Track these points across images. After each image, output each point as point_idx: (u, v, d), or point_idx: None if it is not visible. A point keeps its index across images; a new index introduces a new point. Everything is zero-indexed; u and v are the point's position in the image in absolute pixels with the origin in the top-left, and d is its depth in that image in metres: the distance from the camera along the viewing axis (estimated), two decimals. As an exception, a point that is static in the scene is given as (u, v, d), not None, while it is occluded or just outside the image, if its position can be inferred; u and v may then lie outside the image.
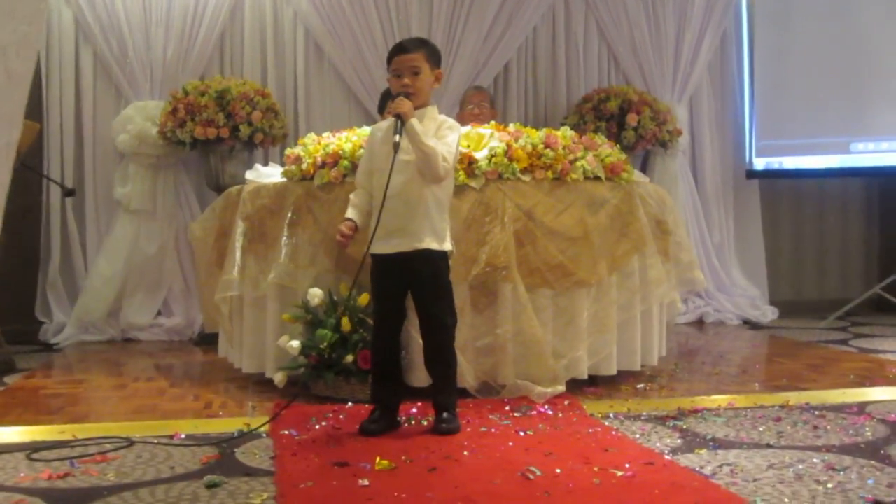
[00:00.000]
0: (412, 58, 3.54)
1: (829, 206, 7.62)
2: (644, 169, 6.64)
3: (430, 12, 6.62)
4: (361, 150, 4.11)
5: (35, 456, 3.20)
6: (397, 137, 3.39)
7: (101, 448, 3.30)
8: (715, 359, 5.31)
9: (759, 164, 7.11)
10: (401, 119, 3.42)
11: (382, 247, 3.48)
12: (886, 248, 7.61)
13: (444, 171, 3.46)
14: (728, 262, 7.14)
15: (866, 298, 6.98)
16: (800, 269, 7.61)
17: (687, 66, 7.03)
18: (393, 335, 3.61)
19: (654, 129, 6.46)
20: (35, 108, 6.11)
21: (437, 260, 3.51)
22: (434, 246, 3.48)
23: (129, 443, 3.36)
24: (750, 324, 6.79)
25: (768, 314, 6.95)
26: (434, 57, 3.60)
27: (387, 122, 3.56)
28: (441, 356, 3.56)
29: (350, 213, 3.59)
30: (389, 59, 3.59)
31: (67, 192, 5.74)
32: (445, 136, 3.51)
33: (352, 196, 3.65)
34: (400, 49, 3.59)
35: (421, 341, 3.67)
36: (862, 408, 3.86)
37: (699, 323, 6.83)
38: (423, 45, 3.62)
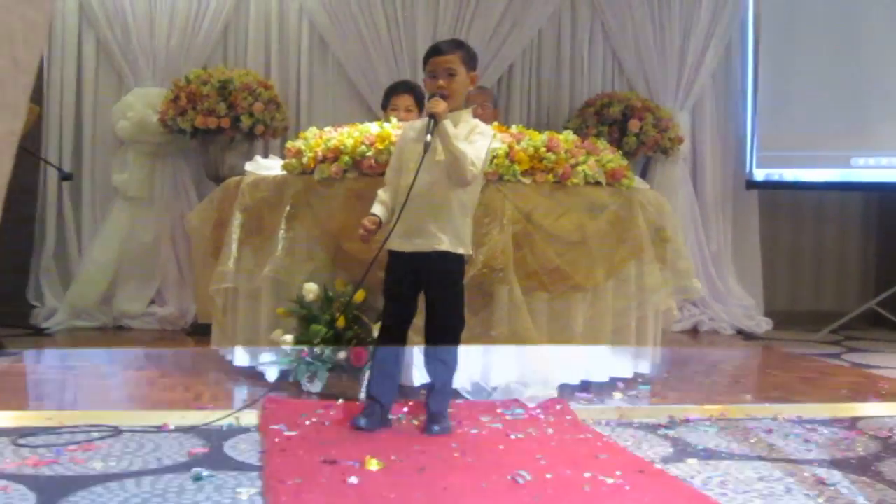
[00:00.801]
0: (448, 59, 3.52)
1: (827, 219, 7.62)
2: (644, 175, 6.62)
3: (435, 10, 6.60)
4: (363, 146, 4.11)
5: (21, 442, 3.18)
6: (429, 137, 3.37)
7: (88, 436, 3.28)
8: (708, 368, 5.30)
9: (760, 174, 7.10)
10: (434, 119, 3.40)
11: (402, 244, 3.47)
12: (883, 263, 7.61)
13: (472, 176, 3.44)
14: (725, 272, 7.12)
15: (861, 313, 6.97)
16: (796, 280, 7.61)
17: (691, 73, 7.02)
18: (401, 333, 3.59)
19: (655, 136, 6.45)
20: (36, 91, 5.97)
21: (454, 263, 3.50)
22: (453, 249, 3.47)
23: (117, 432, 3.34)
24: (744, 334, 6.78)
25: (763, 325, 6.94)
26: (470, 59, 3.59)
27: (420, 122, 3.55)
28: (443, 359, 3.55)
29: (375, 208, 3.58)
30: (425, 60, 3.58)
31: (65, 176, 5.71)
32: (476, 140, 3.49)
33: (379, 192, 3.64)
34: (436, 50, 3.58)
35: (417, 341, 3.66)
36: (853, 423, 3.85)
37: (693, 331, 6.82)
38: (459, 48, 3.60)
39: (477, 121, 3.61)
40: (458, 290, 3.56)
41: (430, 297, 3.55)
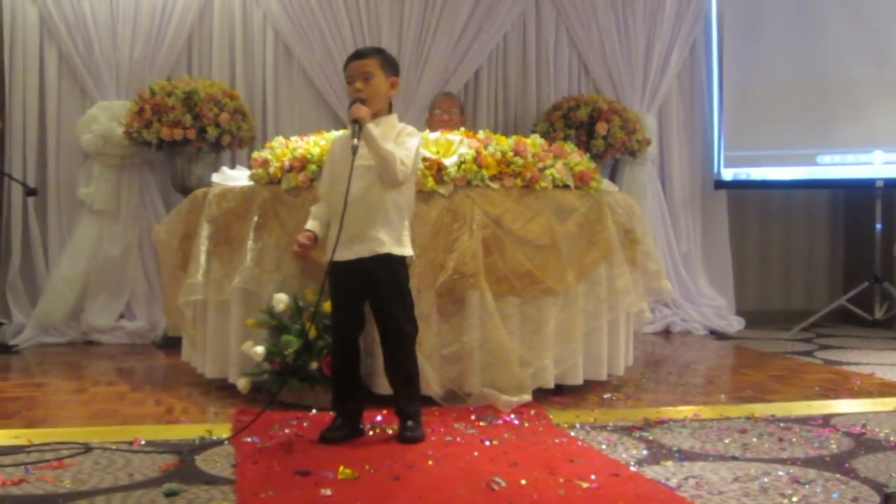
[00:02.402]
0: (364, 63, 3.53)
1: (795, 218, 7.68)
2: (613, 178, 6.64)
3: (400, 16, 6.59)
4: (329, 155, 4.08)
5: (-10, 461, 3.13)
6: (355, 141, 3.37)
7: (58, 454, 3.23)
8: (681, 369, 5.31)
9: (727, 174, 7.15)
10: (358, 124, 3.40)
11: (343, 253, 3.44)
12: (851, 260, 7.68)
13: (403, 176, 3.43)
14: (695, 272, 7.16)
15: (831, 310, 7.02)
16: (766, 279, 7.66)
17: (656, 75, 7.06)
18: (352, 342, 3.56)
19: (623, 138, 6.46)
20: (-3, 106, 6.03)
21: (397, 265, 3.47)
22: (393, 251, 3.45)
23: (87, 449, 3.29)
24: (716, 334, 6.81)
25: (735, 324, 6.97)
26: (389, 64, 3.59)
27: (347, 132, 3.54)
28: (400, 365, 3.52)
29: (309, 223, 3.60)
30: (344, 68, 3.60)
31: (29, 192, 5.65)
32: (405, 141, 3.49)
33: (313, 208, 3.66)
34: (352, 56, 3.61)
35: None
36: (827, 420, 3.86)
37: (666, 333, 6.84)
38: (376, 52, 3.63)
39: (404, 124, 3.60)
40: (405, 292, 3.52)
41: (376, 304, 3.52)
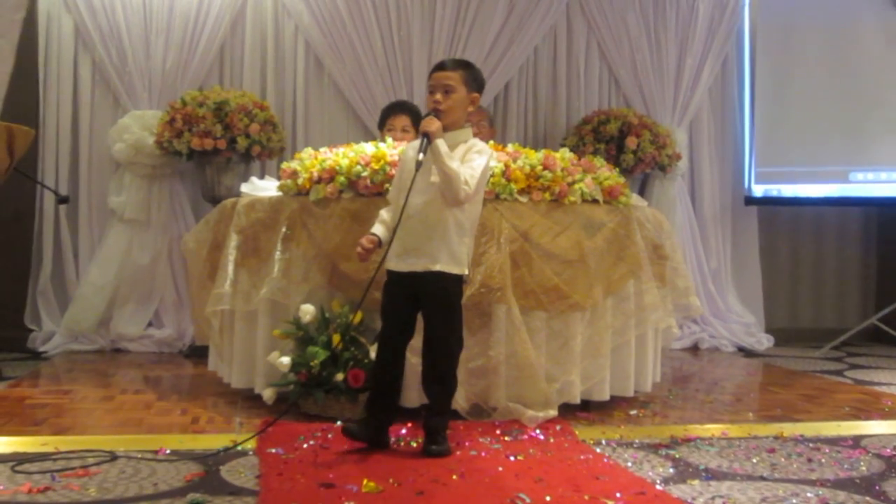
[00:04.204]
0: (447, 75, 3.52)
1: (826, 235, 7.59)
2: (642, 192, 6.61)
3: (431, 29, 6.59)
4: (358, 167, 4.09)
5: (18, 468, 3.14)
6: (421, 156, 3.36)
7: (84, 462, 3.24)
8: (709, 386, 5.26)
9: (758, 190, 7.09)
10: (427, 138, 3.39)
11: (398, 264, 3.46)
12: (883, 279, 7.58)
13: (465, 196, 3.40)
14: (724, 289, 7.10)
15: (862, 329, 6.94)
16: (796, 297, 7.58)
17: (687, 90, 7.02)
18: (397, 353, 3.56)
19: (653, 153, 6.43)
20: (32, 114, 6.09)
21: (450, 283, 3.47)
22: (448, 269, 3.44)
23: (113, 457, 3.31)
24: (745, 351, 6.75)
25: (764, 342, 6.91)
26: (473, 80, 3.57)
27: (418, 141, 3.52)
28: (441, 380, 3.52)
29: (375, 228, 3.58)
30: (429, 77, 3.59)
31: (61, 200, 5.68)
32: (472, 160, 3.46)
33: (382, 211, 3.65)
34: (438, 66, 3.60)
35: (415, 361, 3.63)
36: (857, 441, 3.81)
37: (694, 349, 6.79)
38: (462, 66, 3.60)
39: (476, 140, 3.58)
40: (456, 311, 3.53)
41: (427, 318, 3.52)
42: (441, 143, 3.38)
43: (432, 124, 3.41)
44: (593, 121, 6.57)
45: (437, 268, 3.42)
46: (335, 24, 6.46)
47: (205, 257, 4.72)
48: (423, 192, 3.41)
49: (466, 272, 3.53)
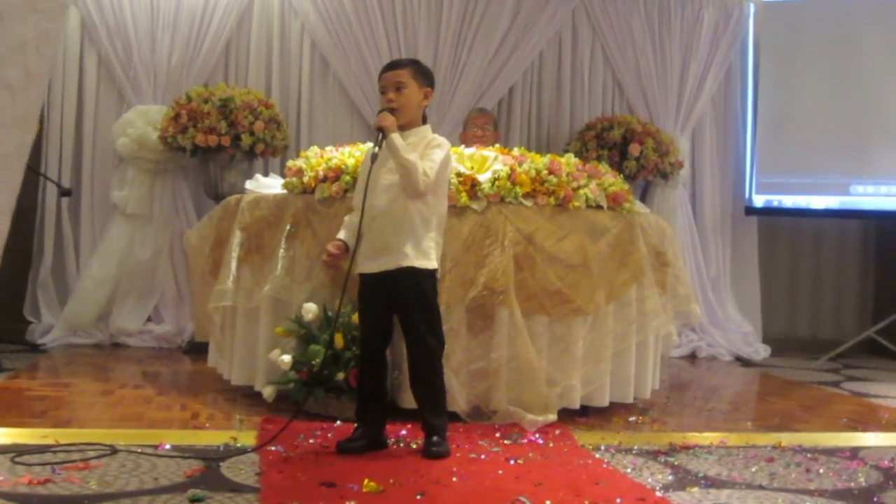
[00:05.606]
0: (397, 73, 3.54)
1: (826, 246, 7.60)
2: (644, 199, 6.62)
3: (437, 31, 6.60)
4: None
5: (18, 460, 3.14)
6: (376, 149, 3.39)
7: (84, 455, 3.24)
8: (707, 394, 5.28)
9: (759, 200, 7.10)
10: (382, 133, 3.41)
11: (369, 265, 3.48)
12: (881, 291, 7.59)
13: (425, 186, 3.42)
14: (723, 297, 7.11)
15: (859, 341, 6.95)
16: (794, 307, 7.59)
17: (691, 98, 7.03)
18: (377, 355, 3.57)
19: (655, 160, 6.44)
20: (36, 107, 6.07)
21: (423, 278, 3.46)
22: (419, 264, 3.44)
23: (113, 451, 3.31)
24: (742, 360, 6.76)
25: (761, 352, 6.91)
26: (422, 75, 3.59)
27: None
28: (424, 379, 3.52)
29: (341, 233, 3.62)
30: (379, 79, 3.60)
31: (64, 192, 5.70)
32: (431, 153, 3.48)
33: (346, 218, 3.67)
34: (386, 66, 3.62)
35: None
36: (855, 452, 3.82)
37: (691, 357, 6.79)
38: (410, 63, 3.64)
39: (435, 135, 3.59)
40: (432, 308, 3.52)
41: (402, 317, 3.52)
42: (396, 137, 3.41)
43: (386, 119, 3.44)
44: (597, 127, 6.58)
45: (408, 263, 3.42)
46: (341, 24, 6.47)
47: (207, 253, 4.73)
48: (385, 191, 3.44)
49: (436, 266, 3.53)
